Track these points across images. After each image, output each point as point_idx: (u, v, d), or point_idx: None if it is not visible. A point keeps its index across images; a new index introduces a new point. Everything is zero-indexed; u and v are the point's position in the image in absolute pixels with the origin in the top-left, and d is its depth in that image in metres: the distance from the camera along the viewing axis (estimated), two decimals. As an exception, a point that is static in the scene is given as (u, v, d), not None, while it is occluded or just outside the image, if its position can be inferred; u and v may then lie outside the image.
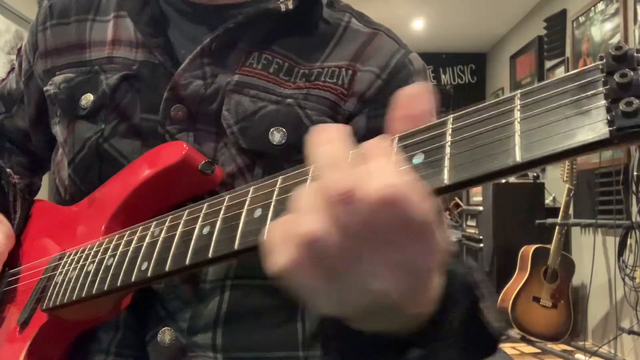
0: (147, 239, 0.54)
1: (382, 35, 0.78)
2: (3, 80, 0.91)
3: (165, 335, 0.66)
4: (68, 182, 0.75)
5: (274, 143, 0.69)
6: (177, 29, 0.76)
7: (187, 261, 0.48)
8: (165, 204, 0.65)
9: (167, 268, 0.50)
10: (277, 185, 0.43)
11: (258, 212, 0.43)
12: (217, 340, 0.68)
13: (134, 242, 0.56)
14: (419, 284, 0.36)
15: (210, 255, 0.46)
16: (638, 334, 3.01)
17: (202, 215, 0.49)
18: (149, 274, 0.51)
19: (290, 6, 0.73)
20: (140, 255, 0.53)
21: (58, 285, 0.63)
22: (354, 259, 0.33)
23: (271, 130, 0.70)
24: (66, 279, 0.62)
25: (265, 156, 0.70)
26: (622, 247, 3.16)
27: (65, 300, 0.60)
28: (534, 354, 3.50)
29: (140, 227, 0.56)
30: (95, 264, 0.58)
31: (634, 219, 3.06)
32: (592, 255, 3.28)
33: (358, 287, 0.34)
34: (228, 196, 0.48)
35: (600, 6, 3.69)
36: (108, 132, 0.72)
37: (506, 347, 3.55)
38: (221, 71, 0.72)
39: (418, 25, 5.35)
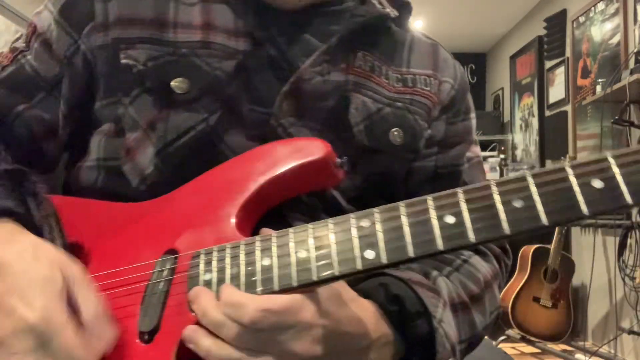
0: (357, 231, 0.54)
1: (440, 47, 0.86)
2: (5, 67, 0.76)
3: None
4: (152, 170, 0.69)
5: (394, 143, 0.75)
6: (275, 25, 0.74)
7: (441, 247, 0.50)
8: (291, 194, 0.67)
9: (410, 254, 0.51)
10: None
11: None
12: None
13: (333, 235, 0.54)
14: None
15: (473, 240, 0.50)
16: (638, 334, 3.00)
17: (433, 207, 0.52)
18: (384, 261, 0.52)
19: (396, 13, 0.79)
20: (358, 245, 0.53)
21: (215, 284, 0.58)
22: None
23: (391, 130, 0.75)
24: (228, 276, 0.57)
25: (377, 155, 0.74)
26: (622, 247, 3.16)
27: None
28: (534, 354, 3.50)
29: (331, 221, 0.56)
30: (274, 257, 0.56)
31: (634, 219, 3.06)
32: (592, 255, 3.28)
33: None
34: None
35: (600, 6, 3.69)
36: (214, 122, 0.69)
37: (506, 347, 3.55)
38: (333, 69, 0.73)
39: (418, 25, 5.35)
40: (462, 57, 6.18)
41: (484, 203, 0.50)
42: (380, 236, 0.52)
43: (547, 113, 4.56)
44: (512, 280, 3.59)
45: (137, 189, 0.70)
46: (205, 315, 0.54)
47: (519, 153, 5.17)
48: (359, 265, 0.52)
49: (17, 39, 0.78)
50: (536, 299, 3.49)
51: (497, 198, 0.49)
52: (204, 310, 0.55)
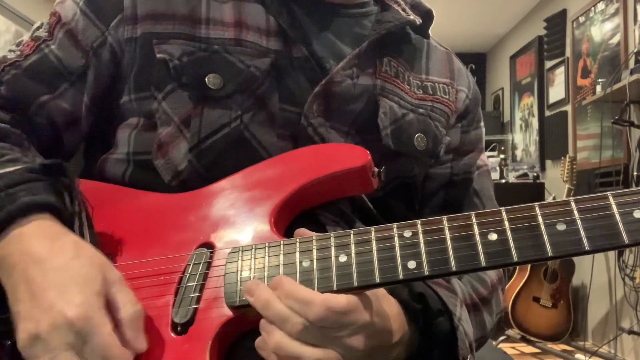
0: (399, 240, 0.55)
1: (453, 55, 0.89)
2: (27, 56, 0.73)
3: None
4: (185, 166, 0.69)
5: (419, 148, 0.76)
6: (304, 24, 0.76)
7: (484, 263, 0.51)
8: (326, 198, 0.69)
9: (452, 267, 0.52)
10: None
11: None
12: None
13: (375, 242, 0.55)
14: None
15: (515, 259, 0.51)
16: (638, 334, 3.00)
17: (476, 223, 0.53)
18: (426, 272, 0.53)
19: (420, 20, 0.81)
20: (399, 255, 0.54)
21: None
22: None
23: (416, 136, 0.76)
24: (266, 275, 0.58)
25: (400, 158, 0.75)
26: (622, 247, 3.15)
27: None
28: (534, 354, 3.50)
29: (374, 228, 0.56)
30: (314, 260, 0.57)
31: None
32: (592, 255, 3.28)
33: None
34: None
35: (600, 6, 3.69)
36: (247, 119, 0.69)
37: (506, 347, 3.55)
38: (361, 74, 0.75)
39: (418, 25, 5.35)
40: (462, 57, 6.11)
41: (528, 223, 0.51)
42: (423, 247, 0.53)
43: (547, 113, 4.56)
44: (512, 280, 3.58)
45: (169, 185, 0.70)
46: (268, 308, 0.55)
47: (519, 153, 5.17)
48: (400, 275, 0.53)
49: (38, 28, 0.76)
50: (536, 299, 3.49)
51: (540, 220, 0.51)
52: (266, 302, 0.55)
